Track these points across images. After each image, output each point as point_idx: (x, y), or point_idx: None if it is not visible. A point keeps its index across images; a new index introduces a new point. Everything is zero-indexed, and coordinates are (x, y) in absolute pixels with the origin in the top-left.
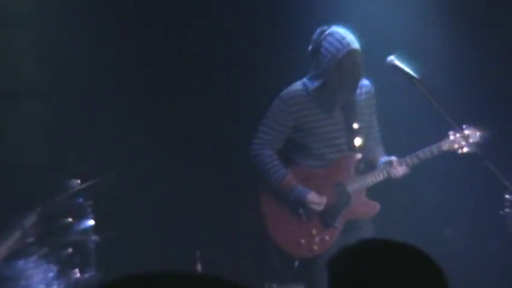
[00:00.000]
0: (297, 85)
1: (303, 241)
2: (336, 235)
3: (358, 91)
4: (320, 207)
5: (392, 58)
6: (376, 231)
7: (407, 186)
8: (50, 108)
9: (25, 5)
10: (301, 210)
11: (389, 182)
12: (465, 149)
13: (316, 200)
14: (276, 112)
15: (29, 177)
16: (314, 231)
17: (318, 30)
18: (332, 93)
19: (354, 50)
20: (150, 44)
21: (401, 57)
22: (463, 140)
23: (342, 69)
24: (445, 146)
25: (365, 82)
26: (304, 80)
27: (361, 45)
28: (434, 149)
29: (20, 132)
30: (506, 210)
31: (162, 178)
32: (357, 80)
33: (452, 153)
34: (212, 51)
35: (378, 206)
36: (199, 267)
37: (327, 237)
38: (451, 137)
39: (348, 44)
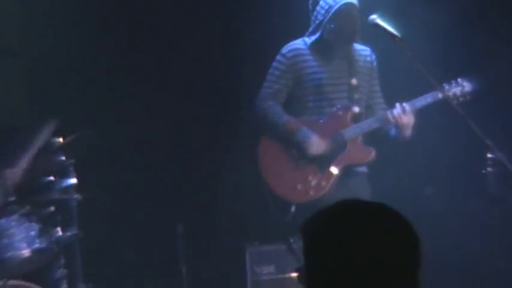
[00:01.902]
0: (297, 41)
1: (299, 186)
2: (332, 180)
3: (357, 54)
4: (320, 151)
5: (375, 17)
6: (369, 184)
7: (389, 146)
8: (31, 68)
9: None
10: (297, 156)
11: (370, 142)
12: (460, 99)
13: (318, 142)
14: (277, 66)
15: (10, 136)
16: (310, 177)
17: None
18: (329, 46)
19: (350, 3)
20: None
21: (383, 16)
22: (458, 89)
23: (338, 21)
24: (440, 94)
25: (365, 48)
26: (304, 37)
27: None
28: (429, 97)
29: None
30: (488, 169)
31: (146, 138)
32: (353, 33)
33: (433, 112)
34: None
35: (374, 151)
36: (181, 226)
37: (323, 182)
38: (446, 86)
39: None
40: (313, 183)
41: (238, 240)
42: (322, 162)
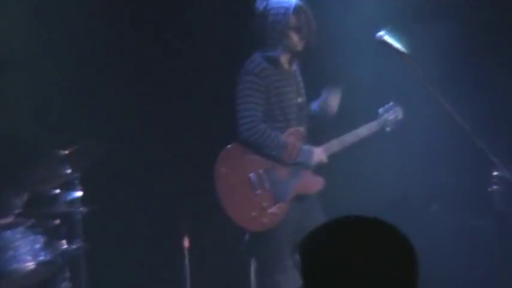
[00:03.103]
0: (258, 58)
1: (254, 214)
2: (285, 209)
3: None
4: (319, 161)
5: (382, 34)
6: (320, 203)
7: (394, 162)
8: (36, 80)
9: None
10: (262, 178)
11: (379, 157)
12: (389, 128)
13: (322, 156)
14: (253, 87)
15: (16, 149)
16: (265, 205)
17: (258, 1)
18: (290, 57)
19: (300, 5)
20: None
21: (390, 33)
22: (393, 117)
23: (297, 26)
24: (377, 126)
25: None
26: (259, 52)
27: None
28: (366, 129)
29: (7, 104)
30: (494, 187)
31: (151, 149)
32: (313, 33)
33: (440, 129)
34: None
35: (323, 181)
36: (186, 239)
37: (278, 211)
38: (381, 111)
39: (292, 1)
40: (269, 212)
41: (244, 253)
42: (278, 192)
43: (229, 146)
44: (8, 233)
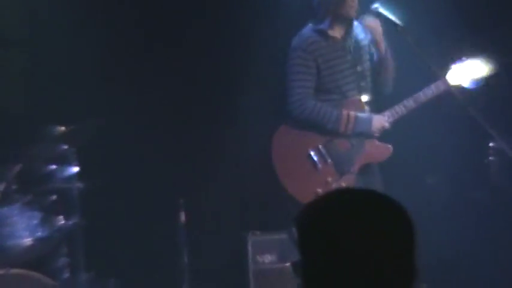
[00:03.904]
0: (307, 32)
1: (320, 190)
2: (352, 181)
3: (357, 38)
4: (381, 127)
5: (377, 6)
6: (381, 176)
7: (393, 136)
8: (32, 57)
9: None
10: (323, 153)
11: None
12: (472, 79)
13: (384, 122)
14: (301, 63)
15: (12, 125)
16: (330, 179)
17: None
18: (342, 28)
19: None
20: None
21: (385, 5)
22: (468, 70)
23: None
24: (450, 81)
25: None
26: (310, 25)
27: None
28: (441, 84)
29: (4, 80)
30: (490, 158)
31: (147, 125)
32: (355, 9)
33: (436, 102)
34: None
35: (390, 148)
36: (182, 215)
37: (344, 184)
38: (455, 70)
39: None
40: (334, 186)
41: (240, 229)
42: (341, 164)
43: (280, 128)
44: (5, 209)
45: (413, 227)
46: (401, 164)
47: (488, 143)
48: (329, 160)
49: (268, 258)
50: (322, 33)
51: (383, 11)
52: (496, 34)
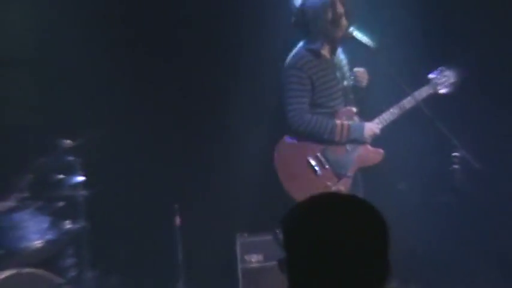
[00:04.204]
0: (301, 51)
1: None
2: (349, 184)
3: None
4: (373, 133)
5: (352, 29)
6: (363, 180)
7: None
8: (41, 77)
9: None
10: (315, 165)
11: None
12: (444, 90)
13: (374, 128)
14: (297, 81)
15: (24, 138)
16: (329, 183)
17: None
18: (330, 47)
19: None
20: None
21: (359, 28)
22: (444, 79)
23: (334, 18)
24: (429, 89)
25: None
26: (301, 45)
27: None
28: (417, 94)
29: (16, 97)
30: (455, 166)
31: (144, 138)
32: (350, 19)
33: (405, 115)
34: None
35: (382, 152)
36: (177, 218)
37: (342, 187)
38: (434, 80)
39: None
40: (333, 188)
41: (229, 231)
42: (338, 168)
43: (283, 139)
44: (18, 214)
45: (388, 229)
46: (376, 172)
47: (453, 153)
48: (327, 166)
49: (255, 257)
50: (315, 53)
51: (357, 34)
52: (463, 45)
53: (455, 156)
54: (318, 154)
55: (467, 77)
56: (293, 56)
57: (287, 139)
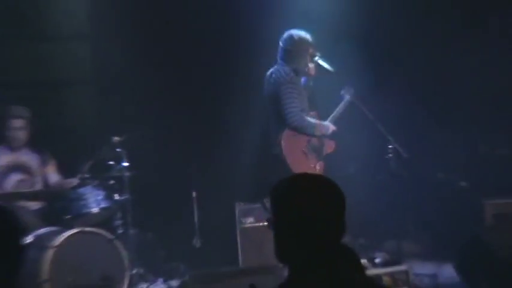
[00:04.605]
0: (287, 69)
1: (309, 171)
2: (323, 165)
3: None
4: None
5: (317, 57)
6: None
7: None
8: (99, 92)
9: None
10: (310, 147)
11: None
12: (350, 99)
13: (332, 127)
14: (293, 91)
15: (86, 135)
16: (313, 165)
17: (286, 34)
18: (304, 70)
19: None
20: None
21: (322, 57)
22: (349, 92)
23: (311, 51)
24: (345, 102)
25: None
26: (283, 64)
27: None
28: (341, 105)
29: (80, 106)
30: (389, 155)
31: (170, 135)
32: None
33: (355, 120)
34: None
35: (335, 142)
36: (194, 192)
37: (319, 168)
38: (344, 94)
39: (308, 35)
40: (316, 168)
41: (231, 201)
42: (318, 154)
43: (286, 133)
44: (82, 189)
45: (344, 198)
46: (335, 158)
47: (388, 145)
48: (312, 153)
49: (248, 220)
50: (298, 72)
51: (320, 60)
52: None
53: (389, 148)
54: (306, 144)
55: (398, 92)
56: (285, 74)
57: (287, 133)
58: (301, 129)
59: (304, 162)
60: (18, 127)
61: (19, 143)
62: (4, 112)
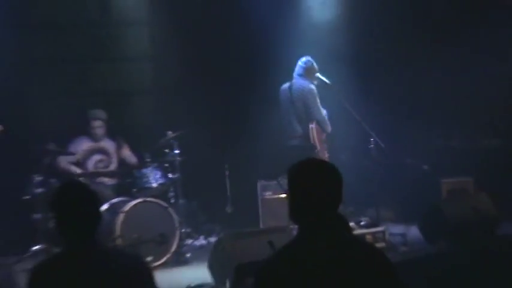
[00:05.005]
0: (306, 82)
1: (327, 155)
2: (327, 153)
3: None
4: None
5: (318, 74)
6: None
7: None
8: (157, 100)
9: None
10: (324, 141)
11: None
12: None
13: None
14: (316, 96)
15: (148, 130)
16: (325, 152)
17: (305, 58)
18: (313, 82)
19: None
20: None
21: (320, 72)
22: None
23: (315, 68)
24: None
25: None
26: (304, 78)
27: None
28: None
29: (143, 108)
30: (371, 145)
31: (209, 130)
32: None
33: (346, 120)
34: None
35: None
36: (227, 170)
37: (327, 155)
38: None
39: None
40: (326, 156)
41: (254, 179)
42: (325, 144)
43: (312, 128)
44: (144, 170)
45: (341, 177)
46: (330, 148)
47: (370, 138)
48: (324, 144)
49: (267, 193)
50: (316, 86)
51: (319, 75)
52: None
53: (371, 140)
54: (324, 138)
55: (378, 99)
56: (309, 84)
57: (316, 127)
58: (323, 123)
59: (323, 150)
60: (98, 126)
61: (98, 136)
62: (87, 114)
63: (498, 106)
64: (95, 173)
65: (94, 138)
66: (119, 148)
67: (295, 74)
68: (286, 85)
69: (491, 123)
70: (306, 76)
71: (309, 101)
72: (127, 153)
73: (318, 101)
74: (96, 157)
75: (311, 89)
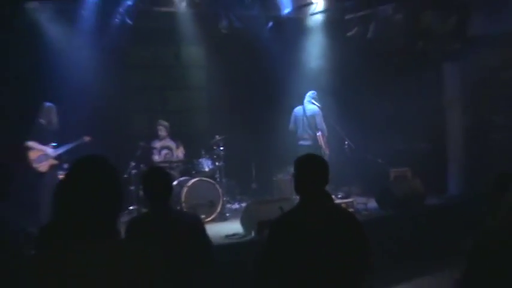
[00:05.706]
0: (315, 106)
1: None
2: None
3: None
4: None
5: (313, 94)
6: None
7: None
8: (209, 99)
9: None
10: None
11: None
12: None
13: None
14: (322, 116)
15: (201, 134)
16: (328, 148)
17: (312, 91)
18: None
19: None
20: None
21: (315, 98)
22: None
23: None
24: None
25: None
26: (312, 104)
27: None
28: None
29: (197, 112)
30: (346, 147)
31: (243, 134)
32: None
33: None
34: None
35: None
36: (254, 167)
37: (327, 151)
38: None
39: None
40: (327, 152)
41: (271, 170)
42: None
43: (320, 134)
44: (200, 160)
45: (328, 166)
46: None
47: (345, 141)
48: (327, 144)
49: (279, 176)
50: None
51: (314, 101)
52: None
53: (346, 143)
54: (325, 139)
55: (351, 115)
56: (316, 108)
57: (322, 134)
58: (324, 131)
59: (326, 148)
60: (160, 130)
61: (162, 137)
62: (156, 124)
63: (428, 122)
64: (167, 161)
65: (159, 138)
66: (177, 147)
67: (305, 101)
68: (299, 107)
69: (424, 133)
70: (313, 102)
71: (318, 118)
72: (181, 151)
73: (322, 118)
74: (164, 151)
75: (319, 111)
